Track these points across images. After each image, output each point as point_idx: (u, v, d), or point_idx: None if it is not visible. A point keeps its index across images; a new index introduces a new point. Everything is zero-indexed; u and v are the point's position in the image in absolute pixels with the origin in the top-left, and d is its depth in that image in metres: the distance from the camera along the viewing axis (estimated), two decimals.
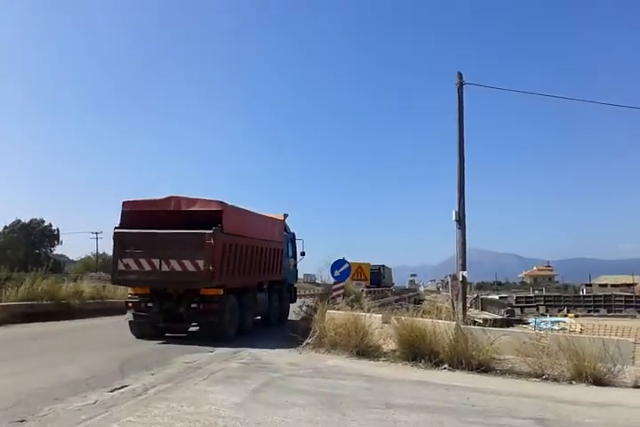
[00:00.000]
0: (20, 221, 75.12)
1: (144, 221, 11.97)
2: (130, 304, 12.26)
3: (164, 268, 11.58)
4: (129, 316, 12.26)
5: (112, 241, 12.12)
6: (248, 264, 12.74)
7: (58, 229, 78.41)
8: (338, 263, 14.25)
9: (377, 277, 37.53)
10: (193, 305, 11.55)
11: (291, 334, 10.57)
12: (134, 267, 11.80)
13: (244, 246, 12.59)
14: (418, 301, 31.14)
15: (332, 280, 14.89)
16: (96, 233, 70.48)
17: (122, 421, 5.04)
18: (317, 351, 9.75)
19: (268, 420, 5.16)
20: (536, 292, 68.01)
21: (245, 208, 13.63)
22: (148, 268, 11.67)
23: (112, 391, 6.39)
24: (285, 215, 17.00)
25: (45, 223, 77.39)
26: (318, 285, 31.36)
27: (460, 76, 12.86)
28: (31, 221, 76.14)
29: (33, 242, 75.82)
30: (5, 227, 75.85)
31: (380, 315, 10.05)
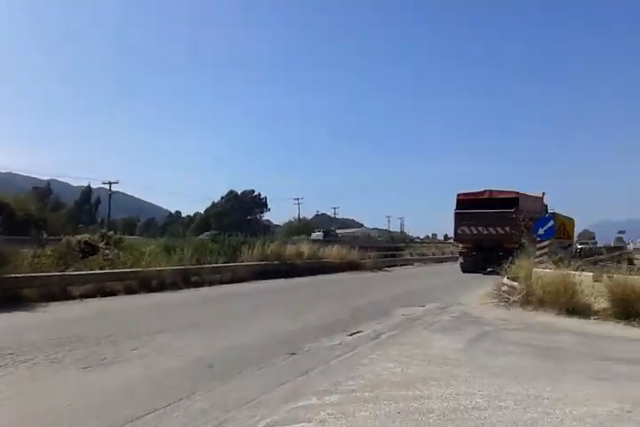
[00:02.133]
0: (233, 191, 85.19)
1: (469, 204, 21.26)
2: (461, 253, 22.41)
3: (484, 232, 20.60)
4: (461, 260, 22.29)
5: (454, 217, 21.72)
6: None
7: (266, 198, 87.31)
8: (543, 220, 14.16)
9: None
10: (500, 254, 17.13)
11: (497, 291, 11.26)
12: (467, 231, 21.33)
13: (528, 217, 18.10)
14: (630, 260, 28.89)
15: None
16: (297, 199, 77.01)
17: (369, 357, 6.25)
18: (525, 309, 10.21)
19: (491, 363, 5.97)
20: None
21: (526, 193, 22.16)
22: (475, 232, 21.02)
23: (351, 335, 7.75)
24: (544, 193, 23.83)
25: (255, 193, 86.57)
26: None
27: None
28: (243, 191, 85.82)
29: (245, 209, 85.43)
30: (222, 197, 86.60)
31: (591, 273, 10.10)
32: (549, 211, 23.95)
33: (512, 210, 19.79)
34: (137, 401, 4.48)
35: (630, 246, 65.94)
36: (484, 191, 21.91)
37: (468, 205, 21.56)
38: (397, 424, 4.00)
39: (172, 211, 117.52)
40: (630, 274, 9.60)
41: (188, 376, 5.33)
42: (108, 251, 18.00)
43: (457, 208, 21.84)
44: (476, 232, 21.29)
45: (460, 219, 21.52)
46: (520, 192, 21.59)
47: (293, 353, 6.51)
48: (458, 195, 22.04)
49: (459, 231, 21.78)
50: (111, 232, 22.43)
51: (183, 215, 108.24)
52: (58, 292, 10.59)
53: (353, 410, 4.32)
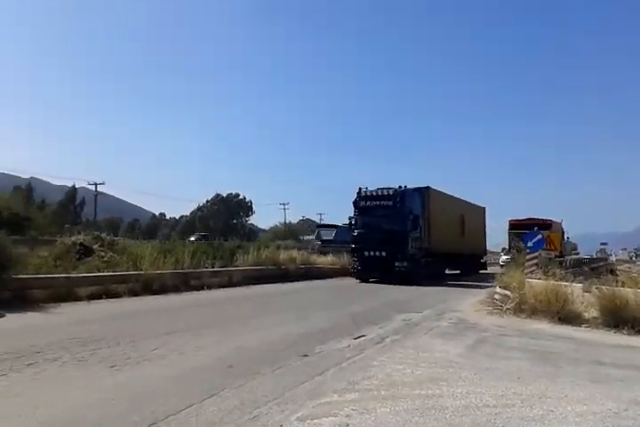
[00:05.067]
0: (219, 195, 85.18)
1: (517, 227, 28.48)
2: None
3: None
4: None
5: (508, 235, 31.52)
6: None
7: (251, 201, 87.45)
8: (532, 234, 14.75)
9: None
10: None
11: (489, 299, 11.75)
12: (519, 244, 20.20)
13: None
14: (612, 271, 30.11)
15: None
16: (284, 204, 77.16)
17: (378, 360, 6.61)
18: (518, 316, 10.66)
19: (494, 366, 6.37)
20: None
21: (553, 220, 32.10)
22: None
23: (356, 339, 8.09)
24: (562, 220, 33.37)
25: (240, 196, 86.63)
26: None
27: None
28: (228, 194, 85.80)
29: (230, 213, 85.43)
30: (207, 200, 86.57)
31: (580, 284, 10.58)
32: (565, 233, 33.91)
33: (547, 231, 24.33)
34: (172, 397, 4.78)
35: (613, 258, 67.61)
36: (528, 218, 30.17)
37: (517, 227, 28.62)
38: (417, 419, 4.36)
39: (157, 213, 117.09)
40: (617, 286, 10.10)
41: (212, 375, 5.64)
42: (103, 253, 18.18)
43: (510, 229, 30.19)
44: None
45: (513, 236, 27.72)
46: (552, 220, 30.80)
47: (305, 355, 6.84)
48: (510, 220, 31.48)
49: (512, 244, 26.64)
50: (103, 234, 22.57)
51: (168, 217, 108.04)
52: (64, 293, 10.81)
53: (374, 406, 4.67)
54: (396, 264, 19.68)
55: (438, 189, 24.76)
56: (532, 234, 14.65)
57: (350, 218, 21.58)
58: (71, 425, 3.99)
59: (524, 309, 10.64)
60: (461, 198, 28.65)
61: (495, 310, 11.17)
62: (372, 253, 20.20)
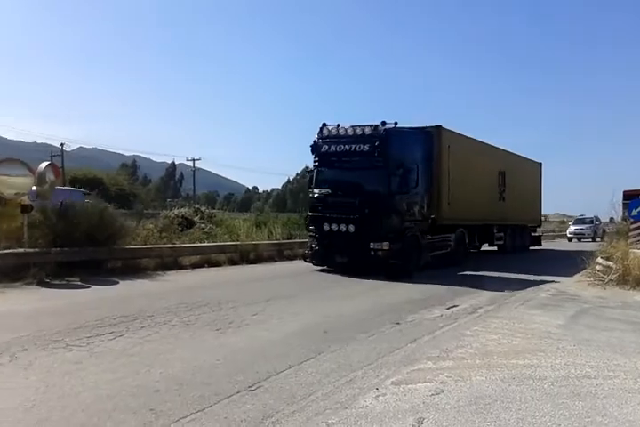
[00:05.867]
0: (308, 167, 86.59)
1: (629, 198, 18.85)
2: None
3: None
4: None
5: (622, 206, 19.78)
6: None
7: None
8: (636, 202, 13.77)
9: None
10: None
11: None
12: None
13: None
14: None
15: None
16: None
17: (471, 329, 6.60)
18: (621, 288, 10.16)
19: (594, 338, 6.16)
20: None
21: None
22: None
23: (449, 309, 8.11)
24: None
25: None
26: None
27: None
28: None
29: None
30: (297, 174, 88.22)
31: None
32: None
33: None
34: (273, 359, 5.07)
35: None
36: None
37: (632, 197, 21.88)
38: (514, 388, 4.35)
39: (250, 186, 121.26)
40: None
41: (309, 340, 5.91)
42: (203, 225, 19.24)
43: (624, 199, 24.00)
44: None
45: (624, 207, 22.59)
46: None
47: (398, 323, 6.96)
48: (624, 191, 24.64)
49: (625, 216, 23.85)
50: (203, 207, 23.81)
51: (260, 191, 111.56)
52: (170, 262, 11.64)
53: (469, 374, 4.70)
54: (372, 245, 12.30)
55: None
56: (637, 202, 13.58)
57: (309, 171, 14.64)
58: (183, 384, 4.32)
59: (628, 280, 10.11)
60: (501, 148, 20.27)
61: (597, 282, 10.69)
62: (334, 226, 12.63)
